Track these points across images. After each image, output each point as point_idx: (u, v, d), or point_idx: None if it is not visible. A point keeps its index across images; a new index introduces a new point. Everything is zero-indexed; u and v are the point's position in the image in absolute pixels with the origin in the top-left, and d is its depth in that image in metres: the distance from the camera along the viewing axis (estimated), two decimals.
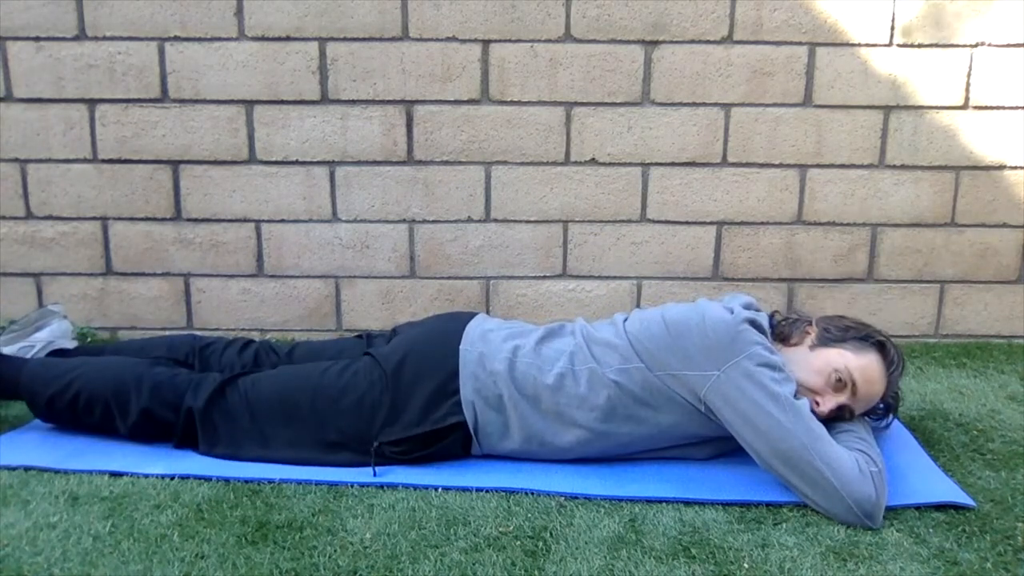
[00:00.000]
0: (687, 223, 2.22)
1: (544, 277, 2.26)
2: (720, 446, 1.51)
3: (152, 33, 2.11)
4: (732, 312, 1.43)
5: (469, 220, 2.22)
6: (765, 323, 1.47)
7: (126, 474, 1.45)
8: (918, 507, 1.37)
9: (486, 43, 2.12)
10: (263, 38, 2.11)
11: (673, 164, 2.18)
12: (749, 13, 2.10)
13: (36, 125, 2.16)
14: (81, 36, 2.11)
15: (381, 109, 2.15)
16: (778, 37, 2.11)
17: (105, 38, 2.11)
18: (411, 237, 2.23)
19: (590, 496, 1.40)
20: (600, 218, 2.21)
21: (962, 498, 1.38)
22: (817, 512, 1.34)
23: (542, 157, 2.18)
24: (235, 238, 2.23)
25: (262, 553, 1.21)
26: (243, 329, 2.27)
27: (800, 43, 2.12)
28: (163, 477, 1.44)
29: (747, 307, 1.49)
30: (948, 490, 1.41)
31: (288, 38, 2.11)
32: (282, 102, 2.15)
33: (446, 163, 2.18)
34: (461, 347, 1.51)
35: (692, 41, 2.11)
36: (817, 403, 1.43)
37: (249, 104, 2.15)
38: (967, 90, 2.14)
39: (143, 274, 2.25)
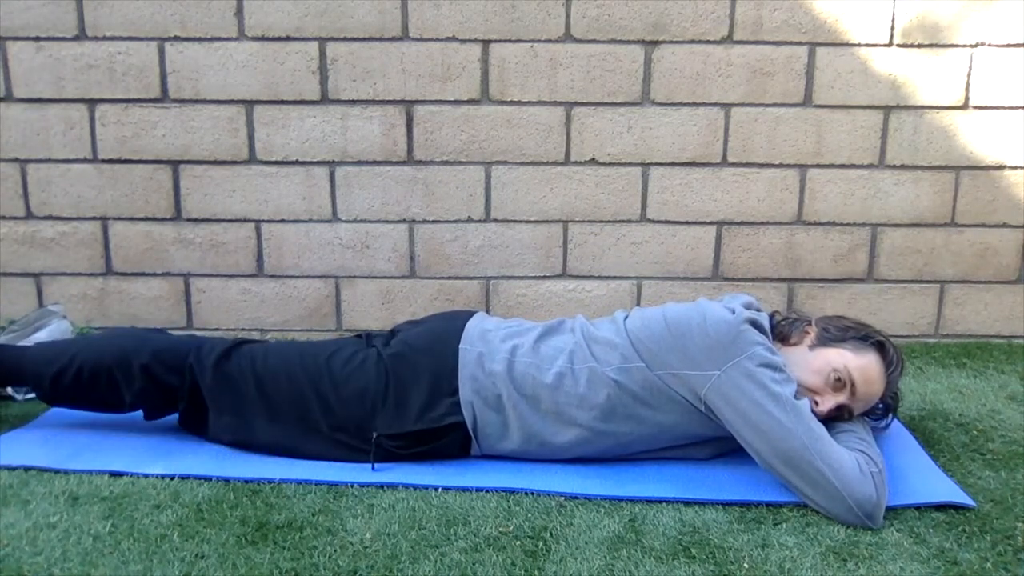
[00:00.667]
0: (687, 223, 2.22)
1: (544, 277, 2.26)
2: (720, 446, 1.51)
3: (152, 33, 2.11)
4: (733, 312, 1.43)
5: (469, 220, 2.22)
6: (766, 323, 1.47)
7: (126, 474, 1.45)
8: (918, 507, 1.37)
9: (486, 43, 2.12)
10: (263, 38, 2.11)
11: (673, 164, 2.18)
12: (749, 13, 2.10)
13: (36, 125, 2.16)
14: (81, 36, 2.11)
15: (381, 109, 2.15)
16: (778, 37, 2.11)
17: (105, 38, 2.11)
18: (411, 237, 2.23)
19: (590, 496, 1.40)
20: (600, 218, 2.21)
21: (962, 498, 1.38)
22: (817, 512, 1.34)
23: (542, 157, 2.18)
24: (235, 238, 2.23)
25: (262, 553, 1.21)
26: (243, 329, 2.27)
27: (800, 43, 2.12)
28: (163, 477, 1.44)
29: (748, 307, 1.49)
30: (948, 490, 1.41)
31: (288, 38, 2.11)
32: (282, 102, 2.15)
33: (446, 163, 2.18)
34: (460, 347, 1.51)
35: (692, 41, 2.11)
36: (816, 403, 1.43)
37: (249, 104, 2.15)
38: (967, 90, 2.14)
39: (143, 274, 2.25)
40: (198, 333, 2.21)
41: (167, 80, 2.14)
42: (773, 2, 2.09)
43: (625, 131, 2.16)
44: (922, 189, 2.19)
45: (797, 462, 1.33)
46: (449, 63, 2.12)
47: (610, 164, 2.18)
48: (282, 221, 2.22)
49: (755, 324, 1.42)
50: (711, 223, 2.22)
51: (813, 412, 1.39)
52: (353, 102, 2.15)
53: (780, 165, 2.18)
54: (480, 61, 2.12)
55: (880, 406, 1.54)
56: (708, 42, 2.11)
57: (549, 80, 2.13)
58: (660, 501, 1.39)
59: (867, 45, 2.12)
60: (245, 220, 2.22)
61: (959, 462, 1.55)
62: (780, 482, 1.39)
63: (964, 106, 2.15)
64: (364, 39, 2.11)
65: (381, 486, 1.42)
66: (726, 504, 1.38)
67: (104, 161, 2.18)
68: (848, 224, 2.22)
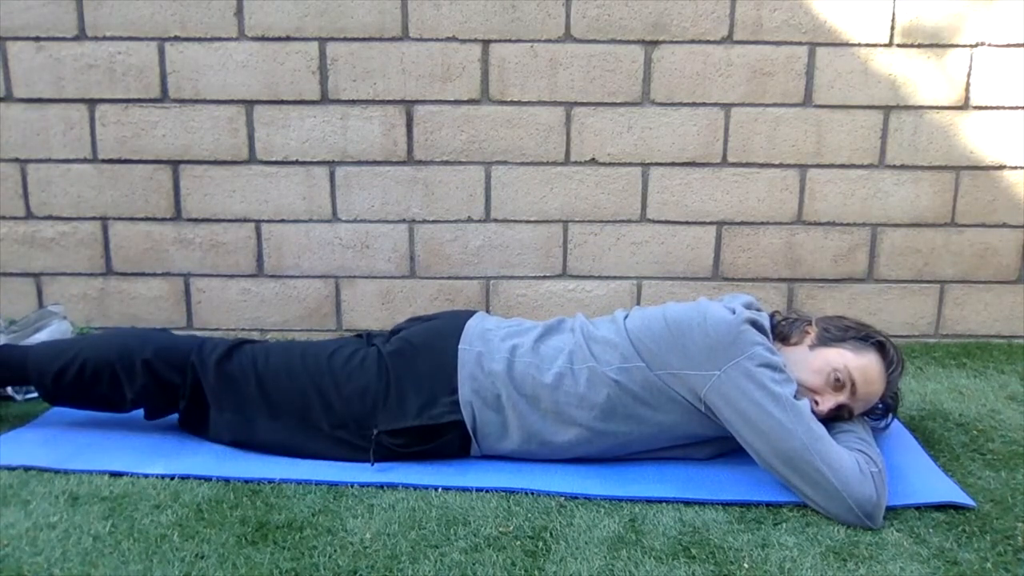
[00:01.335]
0: (687, 223, 2.22)
1: (544, 277, 2.26)
2: (720, 446, 1.51)
3: (152, 33, 2.11)
4: (734, 312, 1.43)
5: (469, 220, 2.22)
6: (766, 323, 1.47)
7: (126, 474, 1.45)
8: (918, 507, 1.37)
9: (486, 43, 2.12)
10: (263, 38, 2.11)
11: (673, 164, 2.18)
12: (749, 13, 2.10)
13: (36, 125, 2.16)
14: (81, 36, 2.11)
15: (381, 109, 2.15)
16: (778, 37, 2.11)
17: (105, 38, 2.11)
18: (411, 237, 2.23)
19: (590, 496, 1.40)
20: (600, 218, 2.21)
21: (962, 498, 1.38)
22: (817, 512, 1.34)
23: (542, 157, 2.18)
24: (235, 238, 2.23)
25: (262, 553, 1.21)
26: (243, 329, 2.27)
27: (800, 43, 2.12)
28: (163, 477, 1.44)
29: (748, 307, 1.49)
30: (948, 490, 1.41)
31: (288, 38, 2.11)
32: (282, 102, 2.15)
33: (446, 163, 2.18)
34: (460, 347, 1.51)
35: (692, 41, 2.11)
36: (816, 403, 1.43)
37: (249, 104, 2.15)
38: (967, 90, 2.14)
39: (143, 274, 2.25)
40: (198, 333, 2.21)
41: (167, 80, 2.14)
42: (773, 2, 2.09)
43: (625, 131, 2.16)
44: (922, 189, 2.19)
45: (797, 462, 1.33)
46: (449, 63, 2.12)
47: (610, 164, 2.18)
48: (282, 221, 2.22)
49: (755, 324, 1.42)
50: (711, 223, 2.22)
51: (813, 412, 1.39)
52: (353, 102, 2.15)
53: (780, 165, 2.18)
54: (480, 61, 2.12)
55: (880, 406, 1.54)
56: (708, 42, 2.11)
57: (549, 80, 2.13)
58: (660, 501, 1.39)
59: (867, 45, 2.12)
60: (245, 220, 2.22)
61: (959, 462, 1.55)
62: (780, 482, 1.39)
63: (964, 106, 2.15)
64: (364, 39, 2.11)
65: (381, 486, 1.42)
66: (726, 504, 1.38)
67: (104, 161, 2.18)
68: (848, 224, 2.22)
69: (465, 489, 1.41)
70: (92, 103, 2.15)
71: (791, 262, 2.24)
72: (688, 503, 1.38)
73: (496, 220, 2.22)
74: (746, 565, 1.20)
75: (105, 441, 1.58)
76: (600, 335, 1.50)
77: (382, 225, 2.22)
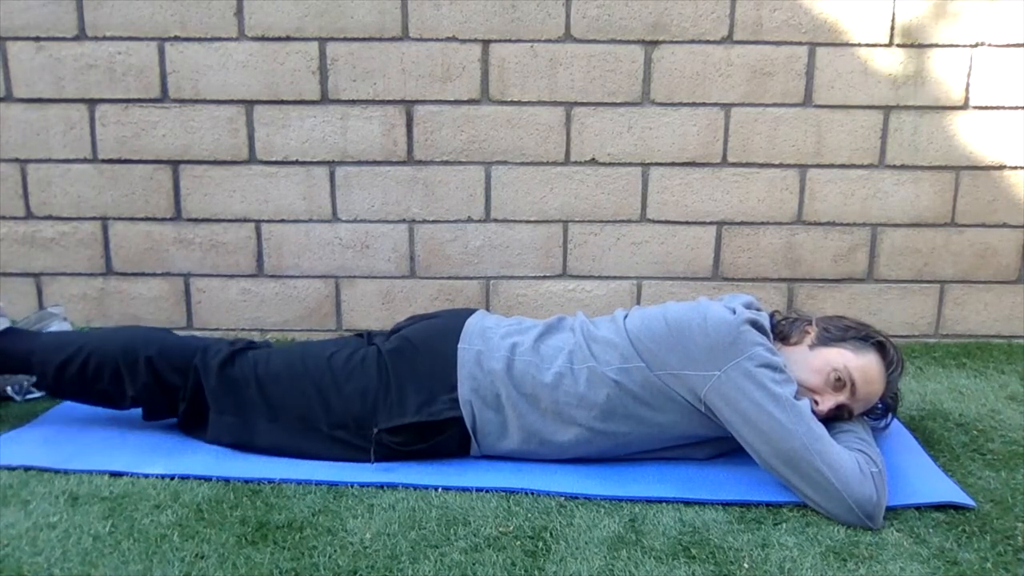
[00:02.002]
0: (687, 223, 2.22)
1: (544, 277, 2.26)
2: (720, 446, 1.51)
3: (152, 33, 2.11)
4: (734, 312, 1.43)
5: (469, 220, 2.22)
6: (766, 323, 1.47)
7: (126, 474, 1.45)
8: (918, 507, 1.37)
9: (486, 43, 2.12)
10: (263, 38, 2.11)
11: (673, 164, 2.18)
12: (749, 13, 2.10)
13: (36, 125, 2.16)
14: (81, 36, 2.11)
15: (381, 109, 2.15)
16: (778, 37, 2.11)
17: (105, 38, 2.11)
18: (411, 237, 2.23)
19: (590, 496, 1.40)
20: (600, 218, 2.21)
21: (962, 498, 1.38)
22: (817, 512, 1.34)
23: (542, 157, 2.18)
24: (235, 238, 2.23)
25: (262, 553, 1.21)
26: (243, 329, 2.27)
27: (800, 43, 2.12)
28: (163, 477, 1.44)
29: (748, 306, 1.49)
30: (948, 490, 1.41)
31: (288, 38, 2.11)
32: (282, 102, 2.15)
33: (446, 163, 2.18)
34: (459, 346, 1.51)
35: (692, 41, 2.11)
36: (816, 402, 1.43)
37: (249, 104, 2.15)
38: (967, 90, 2.14)
39: (143, 274, 2.25)
40: (198, 333, 2.22)
41: (167, 80, 2.14)
42: (773, 2, 2.09)
43: (625, 131, 2.16)
44: (922, 189, 2.19)
45: (797, 462, 1.33)
46: (449, 63, 2.12)
47: (610, 164, 2.18)
48: (282, 221, 2.22)
49: (755, 324, 1.42)
50: (711, 223, 2.22)
51: (813, 412, 1.39)
52: (353, 102, 2.15)
53: (780, 165, 2.18)
54: (480, 61, 2.12)
55: (880, 406, 1.54)
56: (708, 42, 2.11)
57: (549, 80, 2.13)
58: (660, 501, 1.39)
59: (867, 45, 2.12)
60: (245, 220, 2.22)
61: (959, 462, 1.55)
62: (780, 482, 1.39)
63: (964, 106, 2.15)
64: (364, 39, 2.11)
65: (381, 486, 1.42)
66: (726, 504, 1.38)
67: (104, 161, 2.18)
68: (848, 224, 2.22)
69: (465, 489, 1.41)
70: (92, 103, 2.15)
71: (791, 262, 2.24)
72: (688, 503, 1.38)
73: (496, 220, 2.22)
74: (746, 565, 1.20)
75: (105, 441, 1.58)
76: (600, 335, 1.50)
77: (382, 225, 2.22)
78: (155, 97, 2.15)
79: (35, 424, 1.67)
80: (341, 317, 2.27)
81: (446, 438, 1.49)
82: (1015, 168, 2.18)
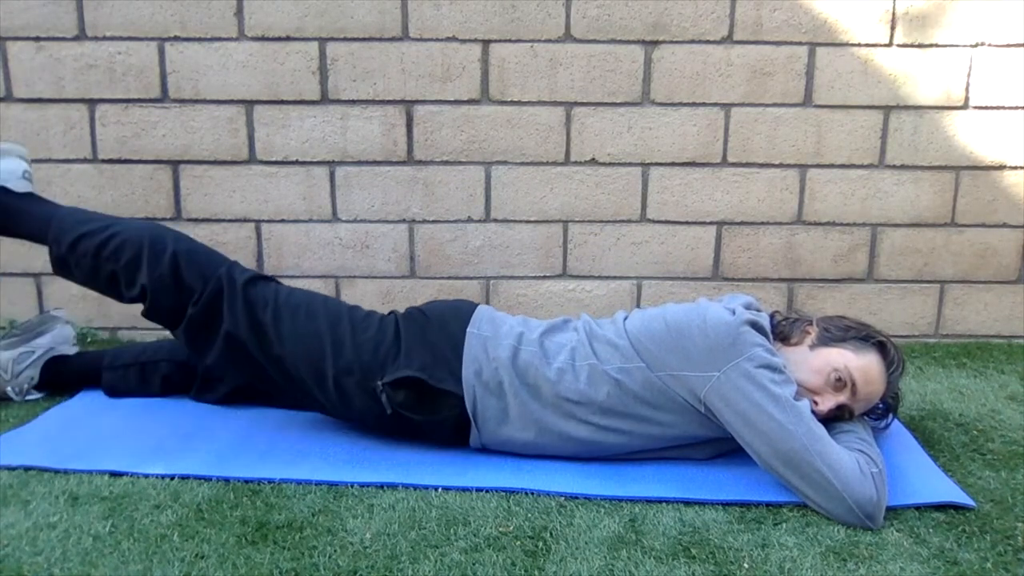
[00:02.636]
0: (687, 223, 2.22)
1: (544, 277, 2.26)
2: (720, 446, 1.51)
3: (152, 33, 2.11)
4: (733, 313, 1.43)
5: (469, 220, 2.22)
6: (766, 324, 1.47)
7: (126, 474, 1.45)
8: (918, 507, 1.37)
9: (486, 43, 2.12)
10: (263, 38, 2.11)
11: (673, 164, 2.18)
12: (749, 13, 2.10)
13: (36, 125, 2.16)
14: (81, 36, 2.11)
15: (381, 109, 2.15)
16: (778, 37, 2.11)
17: (105, 38, 2.11)
18: (411, 237, 2.23)
19: (590, 496, 1.40)
20: (600, 218, 2.21)
21: (962, 498, 1.38)
22: (817, 512, 1.34)
23: (542, 157, 2.18)
24: (235, 238, 2.23)
25: (262, 553, 1.21)
26: None
27: (800, 43, 2.12)
28: (163, 477, 1.44)
29: (748, 307, 1.49)
30: (948, 490, 1.41)
31: (288, 38, 2.11)
32: (282, 102, 2.15)
33: (446, 163, 2.18)
34: (468, 329, 1.52)
35: (692, 41, 2.11)
36: (816, 403, 1.43)
37: (249, 104, 2.15)
38: (967, 90, 2.14)
39: None
40: None
41: (167, 80, 2.14)
42: (773, 2, 2.09)
43: (625, 131, 2.16)
44: (922, 189, 2.19)
45: (797, 463, 1.33)
46: (449, 63, 2.12)
47: (610, 164, 2.18)
48: (282, 221, 2.22)
49: (755, 325, 1.42)
50: (711, 223, 2.22)
51: (813, 412, 1.39)
52: (353, 102, 2.15)
53: (780, 165, 2.18)
54: (480, 61, 2.12)
55: (880, 406, 1.54)
56: (708, 42, 2.11)
57: (549, 80, 2.13)
58: (660, 501, 1.39)
59: (867, 45, 2.12)
60: (245, 220, 2.22)
61: (959, 462, 1.55)
62: (780, 482, 1.39)
63: (964, 106, 2.15)
64: (364, 39, 2.11)
65: (381, 486, 1.42)
66: (726, 504, 1.38)
67: (104, 161, 2.18)
68: (848, 224, 2.22)
69: (465, 489, 1.41)
70: (92, 103, 2.15)
71: (791, 262, 2.24)
72: (688, 503, 1.38)
73: (496, 220, 2.22)
74: (746, 565, 1.20)
75: (105, 441, 1.58)
76: (602, 335, 1.51)
77: (382, 225, 2.22)
78: (155, 97, 2.15)
79: (35, 424, 1.67)
80: None
81: (443, 418, 1.49)
82: (1015, 168, 2.18)
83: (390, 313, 1.61)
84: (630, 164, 2.18)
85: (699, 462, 1.52)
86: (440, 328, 1.53)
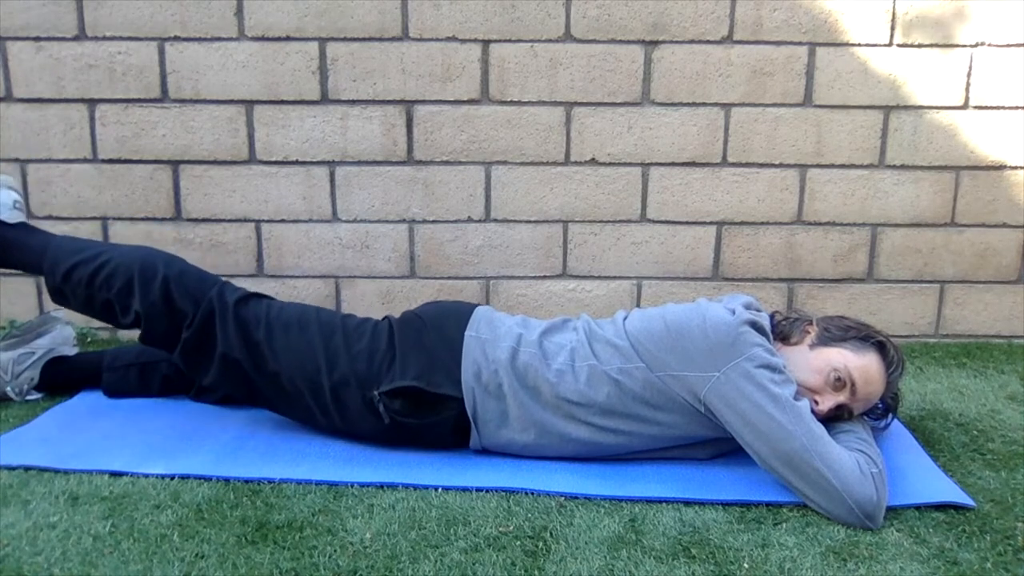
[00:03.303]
0: (687, 223, 2.22)
1: (544, 277, 2.26)
2: (720, 446, 1.51)
3: (152, 33, 2.11)
4: (733, 313, 1.43)
5: (469, 220, 2.22)
6: (766, 324, 1.47)
7: (126, 474, 1.45)
8: (918, 507, 1.37)
9: (486, 43, 2.12)
10: (263, 38, 2.11)
11: (673, 164, 2.18)
12: (749, 13, 2.10)
13: (36, 125, 2.16)
14: (81, 36, 2.11)
15: (381, 109, 2.15)
16: (778, 37, 2.11)
17: (105, 38, 2.11)
18: (411, 237, 2.23)
19: (590, 496, 1.40)
20: (600, 218, 2.21)
21: (962, 498, 1.38)
22: (817, 512, 1.34)
23: (542, 157, 2.18)
24: (235, 238, 2.23)
25: (262, 553, 1.21)
26: None
27: (800, 43, 2.12)
28: (163, 477, 1.44)
29: (748, 307, 1.49)
30: (948, 490, 1.41)
31: (288, 38, 2.11)
32: (282, 102, 2.15)
33: (446, 163, 2.18)
34: (466, 333, 1.52)
35: (692, 41, 2.11)
36: (816, 402, 1.43)
37: (249, 104, 2.15)
38: (967, 90, 2.14)
39: None
40: None
41: (167, 80, 2.14)
42: (773, 2, 2.09)
43: (625, 131, 2.16)
44: (922, 189, 2.19)
45: (797, 463, 1.33)
46: (449, 63, 2.12)
47: (610, 164, 2.18)
48: (282, 221, 2.22)
49: (755, 325, 1.42)
50: (711, 223, 2.22)
51: (813, 412, 1.39)
52: (353, 102, 2.15)
53: (780, 165, 2.18)
54: (480, 61, 2.12)
55: (880, 406, 1.54)
56: (708, 42, 2.11)
57: (549, 80, 2.13)
58: (660, 501, 1.39)
59: (867, 45, 2.12)
60: (245, 220, 2.22)
61: (959, 462, 1.55)
62: (780, 482, 1.39)
63: (964, 106, 2.15)
64: (364, 39, 2.11)
65: (381, 486, 1.42)
66: (726, 504, 1.38)
67: (104, 161, 2.18)
68: (848, 224, 2.22)
69: (465, 489, 1.41)
70: (92, 103, 2.15)
71: (791, 262, 2.24)
72: (688, 503, 1.38)
73: (496, 220, 2.22)
74: (746, 565, 1.20)
75: (105, 441, 1.58)
76: (602, 335, 1.50)
77: (382, 225, 2.22)
78: (155, 97, 2.15)
79: (35, 424, 1.67)
80: None
81: (442, 420, 1.49)
82: (1015, 168, 2.18)
83: (384, 318, 1.61)
84: (630, 164, 2.18)
85: (699, 462, 1.52)
86: (437, 332, 1.53)
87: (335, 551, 1.22)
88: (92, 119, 2.16)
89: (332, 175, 2.19)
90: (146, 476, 1.44)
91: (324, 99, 2.15)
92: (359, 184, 2.19)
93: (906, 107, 2.15)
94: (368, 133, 2.16)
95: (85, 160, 2.18)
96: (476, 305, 1.61)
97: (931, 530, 1.30)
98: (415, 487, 1.42)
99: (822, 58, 2.12)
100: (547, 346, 1.51)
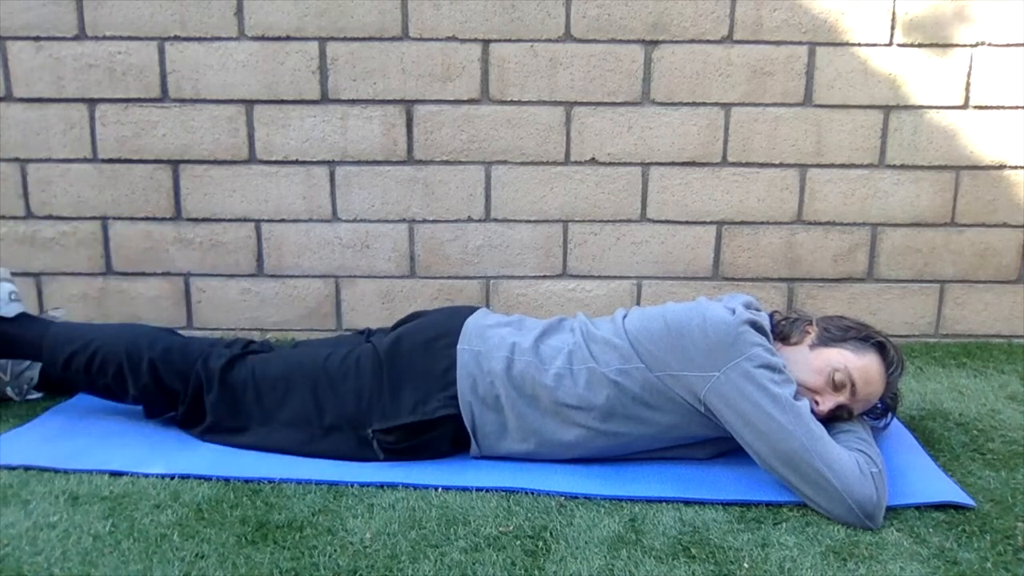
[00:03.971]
0: (687, 223, 2.22)
1: (544, 277, 2.26)
2: (720, 446, 1.51)
3: (152, 33, 2.11)
4: (733, 312, 1.42)
5: (469, 220, 2.22)
6: (766, 323, 1.47)
7: (126, 474, 1.45)
8: (918, 507, 1.37)
9: (486, 43, 2.12)
10: (263, 38, 2.11)
11: (673, 164, 2.18)
12: (749, 13, 2.10)
13: (36, 125, 2.16)
14: (81, 36, 2.11)
15: (381, 109, 2.15)
16: (778, 37, 2.11)
17: (105, 38, 2.11)
18: (411, 237, 2.23)
19: (590, 496, 1.40)
20: (600, 218, 2.21)
21: (962, 498, 1.38)
22: (817, 512, 1.34)
23: (542, 157, 2.18)
24: (235, 238, 2.23)
25: (262, 553, 1.21)
26: (243, 329, 2.27)
27: (800, 43, 2.12)
28: (163, 477, 1.44)
29: (748, 307, 1.48)
30: (948, 490, 1.41)
31: (288, 38, 2.11)
32: (282, 102, 2.15)
33: (446, 163, 2.18)
34: (458, 347, 1.51)
35: (692, 41, 2.11)
36: (816, 403, 1.43)
37: (249, 104, 2.15)
38: (967, 90, 2.14)
39: (143, 274, 2.25)
40: (198, 333, 2.22)
41: (167, 80, 2.14)
42: (773, 2, 2.09)
43: (625, 131, 2.16)
44: (922, 189, 2.19)
45: (797, 463, 1.33)
46: (449, 63, 2.12)
47: (610, 164, 2.18)
48: (282, 221, 2.22)
49: (755, 325, 1.42)
50: (711, 223, 2.22)
51: (813, 412, 1.39)
52: (353, 102, 2.15)
53: (780, 165, 2.18)
54: (480, 61, 2.12)
55: (880, 406, 1.54)
56: (708, 42, 2.11)
57: (549, 80, 2.13)
58: (660, 501, 1.39)
59: (867, 45, 2.11)
60: (245, 220, 2.22)
61: (959, 462, 1.55)
62: (780, 482, 1.39)
63: (964, 106, 2.15)
64: (364, 39, 2.11)
65: (381, 486, 1.42)
66: (726, 504, 1.38)
67: (104, 161, 2.18)
68: (848, 224, 2.22)
69: (465, 489, 1.41)
70: (92, 103, 2.15)
71: (791, 262, 2.24)
72: (688, 503, 1.38)
73: (496, 220, 2.22)
74: (746, 565, 1.20)
75: (105, 441, 1.58)
76: (600, 335, 1.50)
77: (382, 225, 2.22)
78: (155, 97, 2.15)
79: (35, 424, 1.67)
80: (341, 317, 2.27)
81: (439, 434, 1.49)
82: (1015, 168, 2.18)
83: (367, 340, 1.59)
84: (630, 164, 2.18)
85: (699, 462, 1.51)
86: (425, 353, 1.51)
87: (335, 551, 1.22)
88: (92, 119, 2.16)
89: (332, 175, 2.19)
90: (146, 476, 1.44)
91: (324, 99, 2.15)
92: (359, 184, 2.19)
93: (906, 107, 2.15)
94: (368, 133, 2.16)
95: (85, 160, 2.18)
96: (466, 315, 1.58)
97: (931, 530, 1.30)
98: (415, 487, 1.42)
99: (822, 58, 2.12)
100: (543, 350, 1.50)
